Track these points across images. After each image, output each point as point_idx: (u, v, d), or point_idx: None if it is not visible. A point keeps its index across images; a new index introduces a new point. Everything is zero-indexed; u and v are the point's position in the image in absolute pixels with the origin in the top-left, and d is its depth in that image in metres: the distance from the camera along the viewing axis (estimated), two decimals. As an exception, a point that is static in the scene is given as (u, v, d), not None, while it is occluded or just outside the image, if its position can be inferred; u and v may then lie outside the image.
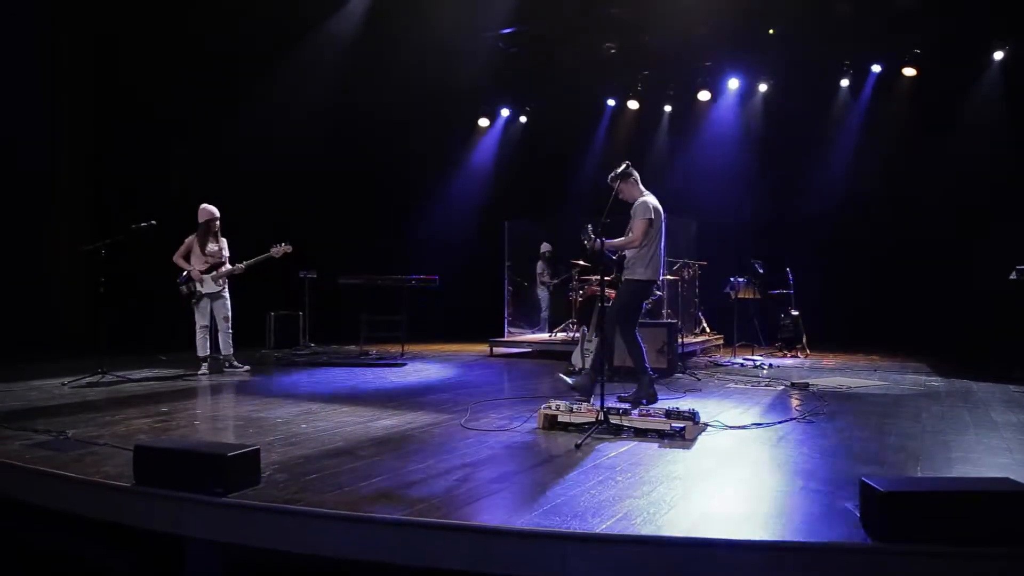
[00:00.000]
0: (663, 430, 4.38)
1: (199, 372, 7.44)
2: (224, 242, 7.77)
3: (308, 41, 10.94)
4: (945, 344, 9.38)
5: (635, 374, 5.81)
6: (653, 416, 4.46)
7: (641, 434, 4.40)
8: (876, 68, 11.18)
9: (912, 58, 10.67)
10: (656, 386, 6.65)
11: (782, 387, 6.69)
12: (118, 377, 6.91)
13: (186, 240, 7.60)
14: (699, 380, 7.21)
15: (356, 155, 12.11)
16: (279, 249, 7.80)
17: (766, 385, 6.83)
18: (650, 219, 5.55)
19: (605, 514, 2.89)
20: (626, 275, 5.66)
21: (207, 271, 7.53)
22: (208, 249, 7.58)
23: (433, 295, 11.04)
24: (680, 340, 8.39)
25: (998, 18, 9.70)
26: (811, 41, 10.86)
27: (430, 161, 13.02)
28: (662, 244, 5.79)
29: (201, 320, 7.56)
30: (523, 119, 13.79)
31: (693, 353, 9.52)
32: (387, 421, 4.97)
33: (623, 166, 5.62)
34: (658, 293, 8.83)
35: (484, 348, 10.47)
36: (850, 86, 11.55)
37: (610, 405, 4.60)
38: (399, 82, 11.33)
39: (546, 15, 10.79)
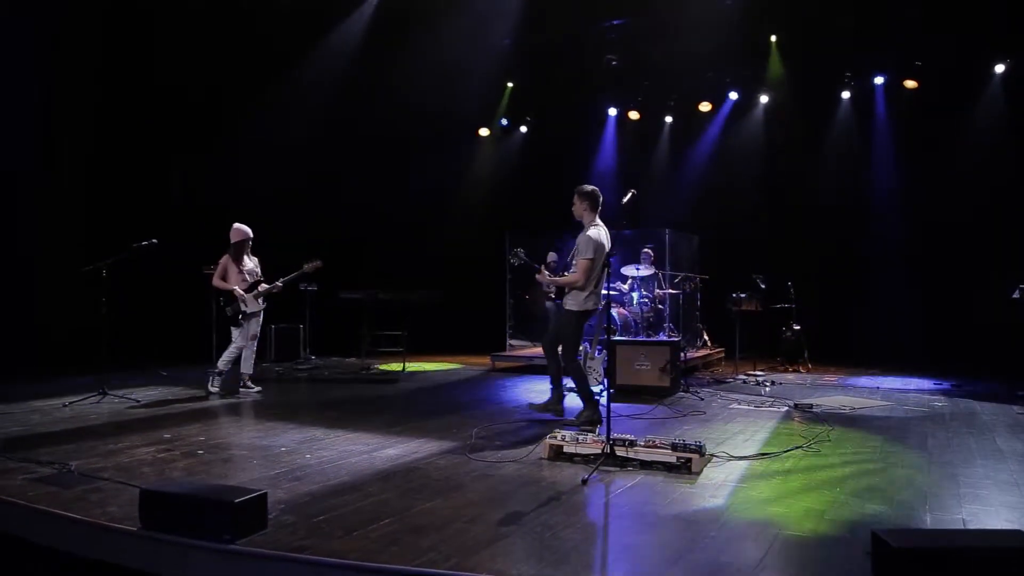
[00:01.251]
0: (669, 463, 4.37)
1: (210, 387, 7.38)
2: (256, 259, 7.81)
3: (311, 52, 10.92)
4: (948, 360, 9.36)
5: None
6: (660, 448, 4.45)
7: (647, 466, 4.39)
8: (878, 80, 11.16)
9: (913, 70, 10.67)
10: (659, 406, 6.68)
11: (785, 408, 6.68)
12: (120, 398, 6.88)
13: (220, 261, 7.59)
14: (702, 400, 7.19)
15: (356, 163, 12.08)
16: (311, 265, 7.85)
17: (769, 406, 6.82)
18: (591, 259, 5.64)
19: (616, 565, 2.88)
20: (565, 303, 5.85)
21: (248, 290, 7.54)
22: (244, 267, 7.60)
23: (434, 307, 11.02)
24: (683, 356, 8.39)
25: (999, 31, 9.70)
26: (812, 53, 10.85)
27: (431, 172, 12.98)
28: (603, 277, 5.82)
29: (240, 340, 7.53)
30: (523, 129, 13.77)
31: (695, 368, 9.52)
32: (391, 450, 4.95)
33: (592, 188, 5.80)
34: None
35: (486, 362, 10.43)
36: (852, 98, 11.52)
37: (616, 435, 4.58)
38: (401, 92, 11.29)
39: (548, 27, 10.79)
